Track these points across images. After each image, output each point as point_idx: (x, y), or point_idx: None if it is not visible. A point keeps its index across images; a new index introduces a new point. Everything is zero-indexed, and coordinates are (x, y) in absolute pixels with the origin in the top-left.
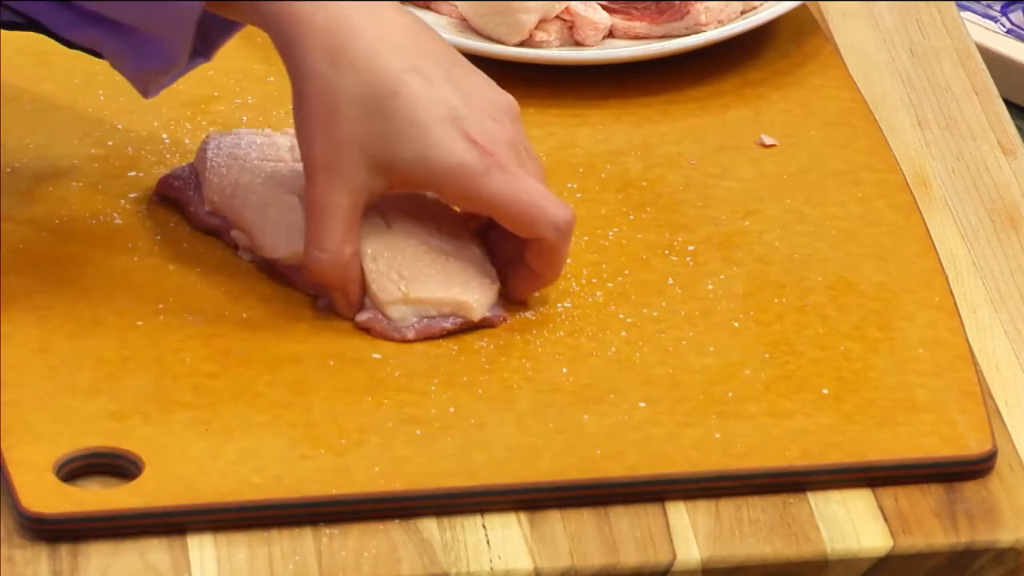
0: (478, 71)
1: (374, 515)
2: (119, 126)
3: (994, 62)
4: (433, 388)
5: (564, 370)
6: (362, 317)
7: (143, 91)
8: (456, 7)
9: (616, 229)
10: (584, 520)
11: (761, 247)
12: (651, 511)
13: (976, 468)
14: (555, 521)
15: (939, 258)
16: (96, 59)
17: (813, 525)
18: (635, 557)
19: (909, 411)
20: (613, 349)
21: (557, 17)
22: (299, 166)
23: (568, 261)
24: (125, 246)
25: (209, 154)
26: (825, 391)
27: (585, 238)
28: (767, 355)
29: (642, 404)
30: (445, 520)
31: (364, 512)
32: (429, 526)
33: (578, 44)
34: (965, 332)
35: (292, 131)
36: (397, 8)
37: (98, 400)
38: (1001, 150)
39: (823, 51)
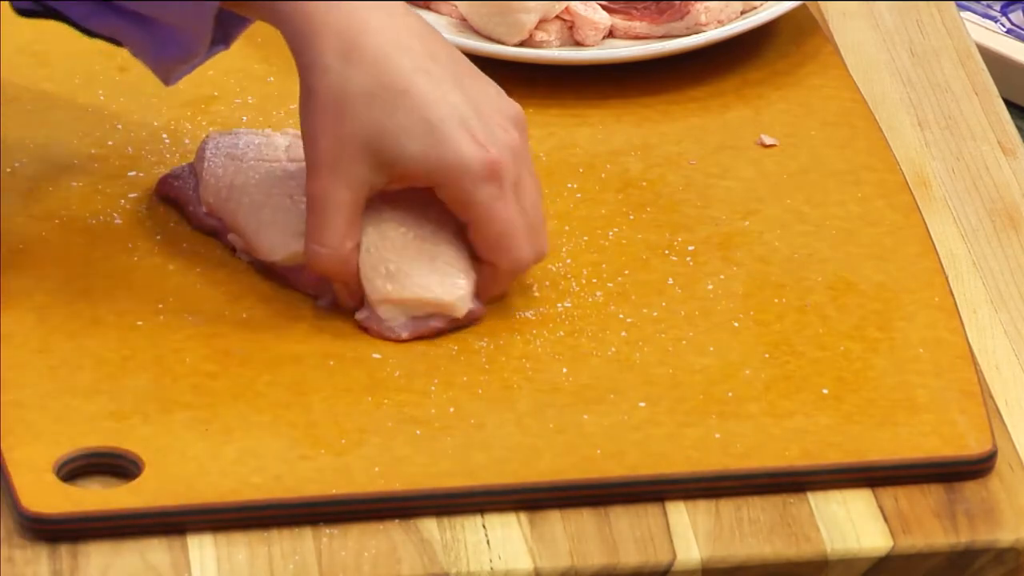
0: (486, 78)
1: (374, 515)
2: (119, 126)
3: (994, 62)
4: (433, 388)
5: (564, 370)
6: (360, 316)
7: (164, 79)
8: (456, 7)
9: (616, 229)
10: (584, 520)
11: (761, 247)
12: (651, 511)
13: (976, 468)
14: (555, 521)
15: (939, 258)
16: (96, 59)
17: (813, 525)
18: (635, 557)
19: (909, 411)
20: (613, 349)
21: (557, 17)
22: (293, 166)
23: (568, 261)
24: (125, 246)
25: (207, 154)
26: (825, 391)
27: (585, 238)
28: (767, 355)
29: (642, 404)
30: (445, 520)
31: (364, 512)
32: (429, 526)
33: (578, 44)
34: (965, 332)
35: (292, 131)
36: (410, 12)
37: (98, 400)
38: (1001, 150)
39: (823, 51)
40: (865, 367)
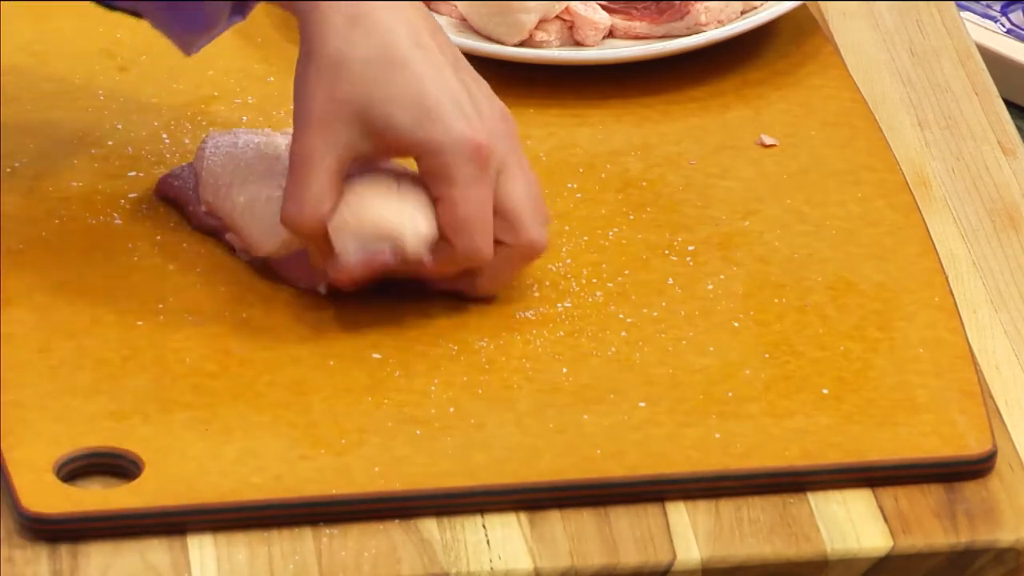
0: (480, 78)
1: (374, 515)
2: (119, 126)
3: (994, 62)
4: (433, 388)
5: (564, 370)
6: (322, 290)
7: (185, 50)
8: (456, 7)
9: (616, 229)
10: (584, 520)
11: (761, 247)
12: (651, 511)
13: (976, 468)
14: (555, 521)
15: (939, 258)
16: (96, 59)
17: (813, 525)
18: (635, 557)
19: (909, 411)
20: (613, 349)
21: (557, 17)
22: None
23: (568, 261)
24: (125, 246)
25: (207, 154)
26: (825, 391)
27: (585, 238)
28: (767, 355)
29: (642, 404)
30: (445, 520)
31: (364, 512)
32: (429, 526)
33: (578, 44)
34: (965, 332)
35: (292, 131)
36: (418, 5)
37: (98, 400)
38: (1001, 150)
39: (823, 51)
40: (865, 367)
